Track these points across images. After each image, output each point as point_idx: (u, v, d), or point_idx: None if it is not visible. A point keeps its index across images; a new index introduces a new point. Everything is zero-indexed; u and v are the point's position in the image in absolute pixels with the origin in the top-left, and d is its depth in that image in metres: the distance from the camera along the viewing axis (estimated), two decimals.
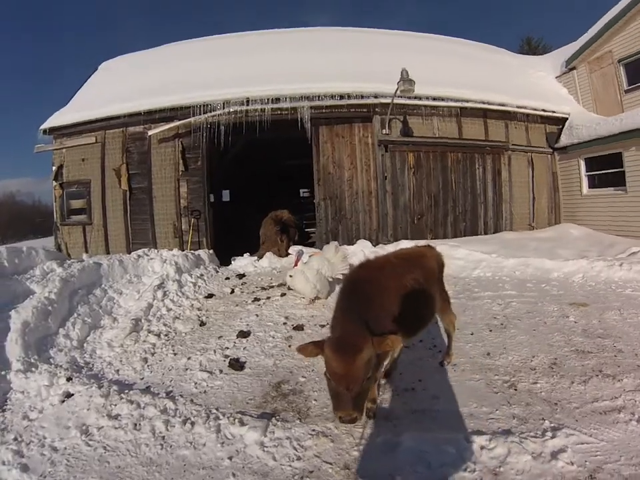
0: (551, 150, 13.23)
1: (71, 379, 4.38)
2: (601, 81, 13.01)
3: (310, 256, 7.68)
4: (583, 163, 12.52)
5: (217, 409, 3.78)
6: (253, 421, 3.47)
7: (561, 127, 13.06)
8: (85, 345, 5.49)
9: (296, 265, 7.19)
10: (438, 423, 3.35)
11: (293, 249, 10.14)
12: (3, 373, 4.39)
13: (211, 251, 10.31)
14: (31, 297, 5.80)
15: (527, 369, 4.20)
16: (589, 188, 12.48)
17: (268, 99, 10.69)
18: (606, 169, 11.80)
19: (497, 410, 3.50)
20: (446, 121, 11.89)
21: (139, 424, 3.60)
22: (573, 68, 13.97)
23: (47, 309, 5.55)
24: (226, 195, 16.69)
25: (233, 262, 10.21)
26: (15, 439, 3.45)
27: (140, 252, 8.78)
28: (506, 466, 2.74)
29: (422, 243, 6.31)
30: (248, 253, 10.64)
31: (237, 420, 3.48)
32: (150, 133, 11.12)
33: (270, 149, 15.21)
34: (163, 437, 3.42)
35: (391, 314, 2.97)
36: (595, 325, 5.21)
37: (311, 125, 10.98)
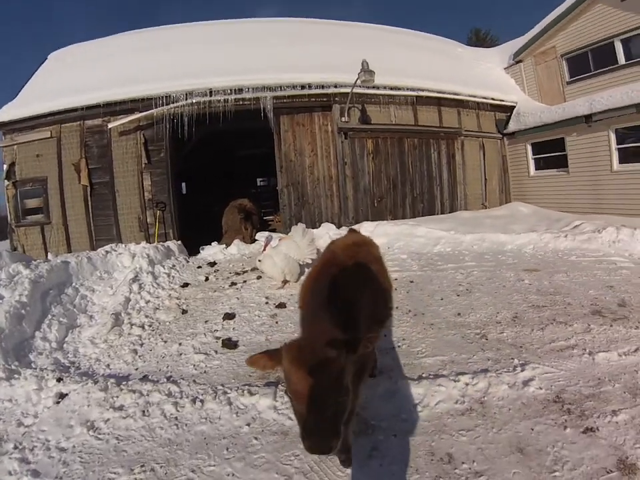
0: (501, 135, 14.35)
1: (62, 379, 4.29)
2: (545, 73, 14.17)
3: (279, 240, 7.87)
4: (529, 147, 13.77)
5: (222, 385, 3.93)
6: (261, 389, 3.67)
7: (509, 114, 14.16)
8: (64, 345, 5.40)
9: (265, 249, 7.33)
10: (427, 370, 3.96)
11: (261, 235, 10.35)
12: None
13: (179, 242, 10.29)
14: (0, 301, 5.62)
15: (493, 323, 4.91)
16: (536, 170, 13.78)
17: (231, 90, 10.71)
18: (550, 152, 13.09)
19: (473, 356, 4.16)
20: (402, 109, 12.45)
21: (147, 410, 3.66)
22: (520, 61, 15.12)
23: (19, 312, 5.43)
24: (183, 188, 16.52)
25: (201, 251, 10.30)
26: (16, 447, 3.32)
27: (107, 247, 8.65)
28: (489, 395, 3.41)
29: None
30: (216, 242, 10.76)
31: (245, 391, 3.66)
32: (110, 125, 10.82)
33: (228, 139, 15.24)
34: (176, 418, 3.52)
35: (368, 306, 2.61)
36: (546, 285, 6.00)
37: (273, 115, 11.14)
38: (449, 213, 12.89)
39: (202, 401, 3.65)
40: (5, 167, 11.69)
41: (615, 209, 10.88)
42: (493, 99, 13.82)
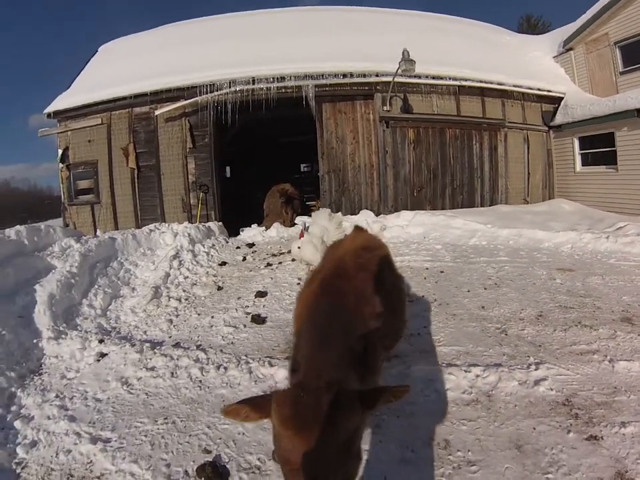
0: (547, 128, 13.59)
1: (103, 341, 4.81)
2: (597, 62, 13.22)
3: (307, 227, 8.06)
4: (576, 142, 12.92)
5: (245, 356, 4.25)
6: (280, 362, 3.94)
7: (556, 105, 13.38)
8: (108, 313, 5.88)
9: (302, 236, 7.54)
10: (441, 358, 4.01)
11: (300, 219, 10.63)
12: (35, 341, 4.74)
13: (220, 223, 10.77)
14: (53, 271, 6.13)
15: (516, 319, 4.83)
16: (582, 165, 12.91)
17: (273, 78, 11.01)
18: (599, 147, 12.18)
19: (490, 349, 4.15)
20: (445, 99, 12.26)
21: (176, 372, 4.05)
22: (570, 49, 14.14)
23: (69, 281, 5.92)
24: (227, 172, 16.95)
25: (241, 232, 10.75)
26: (57, 396, 3.79)
27: (151, 226, 9.19)
28: (497, 390, 3.42)
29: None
30: (256, 225, 11.18)
31: (266, 362, 3.98)
32: (157, 112, 11.39)
33: (272, 125, 15.51)
34: (200, 381, 3.88)
35: (384, 329, 2.18)
36: (578, 287, 5.76)
37: (315, 103, 11.34)
38: (489, 206, 12.56)
39: (225, 368, 4.01)
40: (60, 151, 12.56)
41: None
42: (539, 89, 13.19)
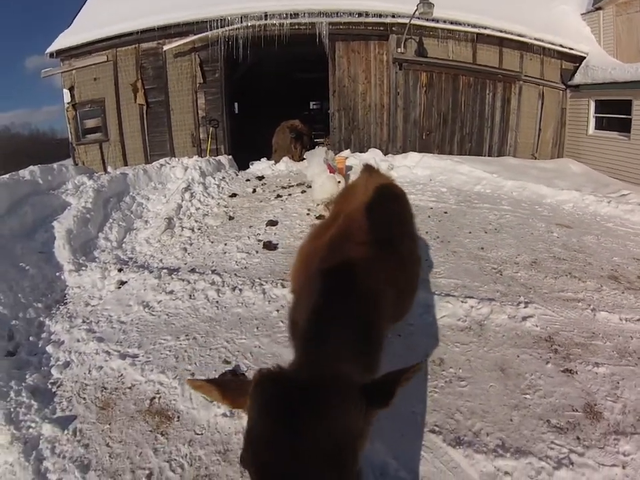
0: (564, 86, 13.03)
1: (122, 270, 5.12)
2: (625, 25, 12.46)
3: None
4: (593, 104, 12.41)
5: (259, 279, 4.61)
6: None
7: (577, 65, 12.74)
8: (123, 245, 6.16)
9: (331, 171, 7.58)
10: (440, 289, 4.39)
11: (309, 154, 10.46)
12: (57, 274, 5.05)
13: (230, 157, 10.83)
14: (69, 208, 6.37)
15: (511, 263, 5.16)
16: (595, 129, 12.47)
17: (287, 14, 10.70)
18: (614, 113, 11.75)
19: (485, 285, 4.51)
20: (461, 45, 11.81)
21: (193, 295, 4.40)
22: (600, 8, 13.20)
23: (85, 217, 6.16)
24: (236, 108, 16.77)
25: (251, 166, 10.85)
26: (84, 322, 4.12)
27: (162, 161, 9.33)
28: (488, 320, 3.82)
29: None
30: (265, 158, 11.26)
31: (279, 284, 4.36)
32: (165, 48, 11.15)
33: (282, 62, 15.23)
34: (217, 302, 4.25)
35: (397, 301, 1.95)
36: (573, 242, 5.99)
37: (328, 41, 11.07)
38: (496, 157, 12.38)
39: (240, 290, 4.37)
40: (65, 91, 12.35)
41: None
42: (561, 45, 12.34)
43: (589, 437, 2.60)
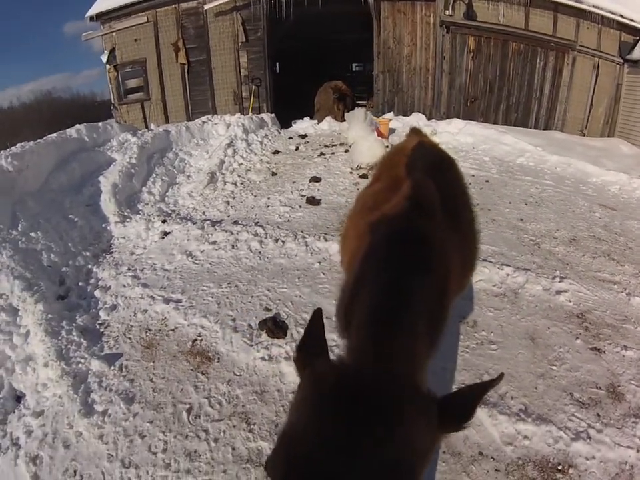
0: (622, 60, 11.81)
1: (165, 221, 5.26)
2: None
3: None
4: None
5: (301, 232, 4.63)
6: (335, 237, 4.26)
7: (637, 38, 11.46)
8: (166, 198, 6.29)
9: (380, 135, 7.45)
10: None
11: (349, 115, 10.34)
12: (104, 225, 5.27)
13: (273, 115, 10.75)
14: (114, 163, 6.53)
15: (550, 237, 4.98)
16: None
17: None
18: None
19: (522, 256, 4.43)
20: (513, 9, 11.01)
21: (236, 245, 4.47)
22: None
23: (129, 171, 6.30)
24: (277, 67, 16.66)
25: (293, 124, 10.78)
26: (129, 269, 4.29)
27: (204, 118, 9.38)
28: (523, 289, 3.79)
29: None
30: (308, 117, 11.18)
31: (321, 237, 4.37)
32: (206, 7, 11.11)
33: (325, 22, 14.82)
34: (259, 252, 4.31)
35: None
36: (615, 225, 5.65)
37: (373, 1, 10.75)
38: (543, 130, 11.66)
39: (283, 241, 4.41)
40: (106, 52, 12.56)
41: None
42: (622, 15, 11.17)
43: (608, 416, 2.58)
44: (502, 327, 3.28)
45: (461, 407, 0.97)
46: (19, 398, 2.88)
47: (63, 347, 3.13)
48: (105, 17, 12.29)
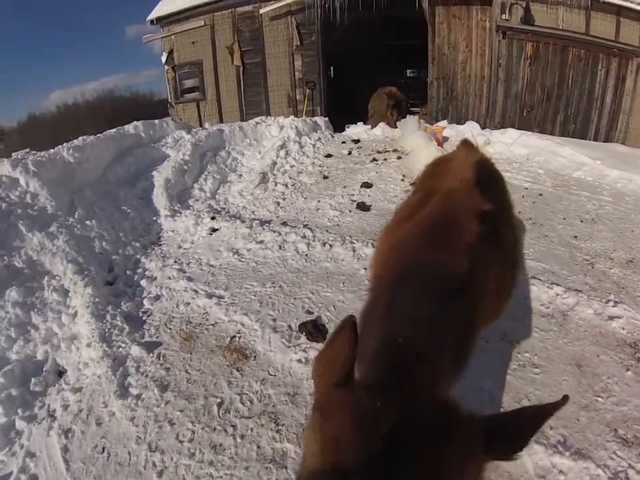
0: None
1: (215, 218, 5.37)
2: None
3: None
4: None
5: (350, 237, 4.59)
6: None
7: None
8: (217, 196, 6.41)
9: (439, 145, 7.39)
10: (527, 270, 4.04)
11: (402, 122, 10.20)
12: (154, 218, 5.45)
13: (326, 118, 10.79)
14: (168, 159, 6.75)
15: (605, 257, 4.63)
16: None
17: None
18: None
19: (574, 275, 4.15)
20: (573, 13, 10.49)
21: (283, 246, 4.49)
22: None
23: (182, 168, 6.47)
24: (331, 72, 16.78)
25: (347, 129, 10.74)
26: (175, 262, 4.42)
27: (257, 119, 9.52)
28: (573, 312, 3.54)
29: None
30: (361, 122, 11.13)
31: (370, 243, 4.30)
32: (261, 11, 11.31)
33: (380, 26, 14.90)
34: (306, 255, 4.31)
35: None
36: None
37: (428, 5, 10.57)
38: (603, 142, 11.01)
39: (330, 245, 4.39)
40: (165, 54, 13.08)
41: None
42: None
43: None
44: (547, 350, 3.10)
45: (515, 432, 0.85)
46: (60, 373, 3.06)
47: (106, 330, 3.29)
48: (164, 20, 12.81)
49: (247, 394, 2.67)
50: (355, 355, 0.94)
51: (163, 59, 13.12)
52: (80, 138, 6.24)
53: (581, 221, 5.64)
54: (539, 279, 3.91)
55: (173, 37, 12.79)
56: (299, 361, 2.89)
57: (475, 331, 1.37)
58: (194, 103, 13.15)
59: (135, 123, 7.38)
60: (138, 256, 4.57)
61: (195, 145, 7.13)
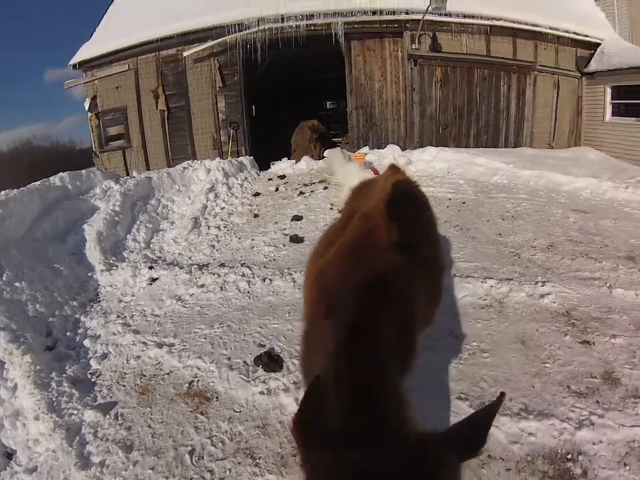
0: (579, 74, 12.84)
1: (152, 267, 5.27)
2: None
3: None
4: (609, 91, 12.20)
5: (288, 269, 4.75)
6: None
7: (592, 52, 12.57)
8: (151, 245, 6.28)
9: (375, 172, 7.57)
10: (460, 271, 4.57)
11: (328, 152, 10.55)
12: (89, 274, 5.22)
13: (251, 158, 10.90)
14: (98, 211, 6.53)
15: (529, 246, 5.29)
16: (612, 116, 12.26)
17: (302, 16, 10.87)
18: (631, 99, 11.58)
19: (503, 267, 4.69)
20: (475, 39, 11.84)
21: (225, 287, 4.53)
22: None
23: (114, 219, 6.31)
24: (253, 110, 17.05)
25: (272, 166, 10.90)
26: (118, 317, 4.28)
27: (184, 164, 9.47)
28: (508, 298, 4.00)
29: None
30: (286, 158, 11.35)
31: None
32: (185, 54, 11.43)
33: (299, 63, 15.37)
34: (248, 292, 4.38)
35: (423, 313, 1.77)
36: (590, 226, 6.04)
37: (344, 40, 11.25)
38: (513, 148, 12.39)
39: (270, 280, 4.50)
40: (88, 100, 12.74)
41: None
42: (575, 33, 12.29)
43: (608, 401, 2.73)
44: (491, 336, 3.43)
45: (474, 437, 1.02)
46: (9, 455, 2.77)
47: (53, 398, 3.07)
48: (87, 64, 12.59)
49: (217, 435, 2.66)
50: (325, 414, 1.05)
51: (86, 105, 12.79)
52: (2, 192, 5.88)
53: (503, 219, 6.28)
54: (473, 277, 4.34)
55: (96, 81, 12.58)
56: (262, 392, 2.94)
57: (412, 335, 1.50)
58: (119, 151, 12.91)
59: (61, 174, 7.09)
60: (77, 315, 4.35)
61: (124, 194, 6.97)
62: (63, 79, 13.52)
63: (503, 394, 1.10)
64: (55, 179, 6.93)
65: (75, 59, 12.56)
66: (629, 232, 5.82)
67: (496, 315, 3.73)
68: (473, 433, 1.02)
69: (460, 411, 2.67)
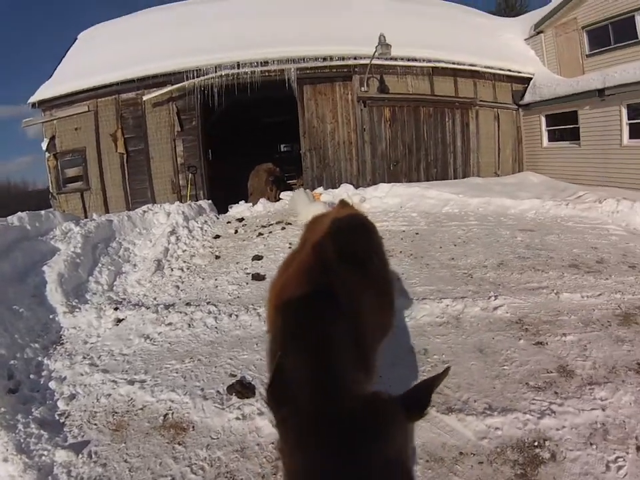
0: (516, 106, 14.45)
1: (118, 308, 5.25)
2: (565, 45, 13.91)
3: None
4: (543, 119, 13.87)
5: (252, 304, 4.94)
6: None
7: (526, 85, 14.22)
8: (114, 287, 6.25)
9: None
10: (417, 295, 4.88)
11: (285, 194, 11.35)
12: (51, 316, 5.12)
13: (210, 201, 11.09)
14: (58, 253, 6.45)
15: (480, 267, 5.70)
16: (549, 141, 13.90)
17: (257, 62, 11.46)
18: (563, 124, 13.18)
19: (458, 288, 5.04)
20: (419, 79, 12.96)
21: (192, 324, 4.62)
22: (541, 32, 14.84)
23: (75, 261, 6.27)
24: (209, 154, 17.17)
25: (230, 209, 11.11)
26: (84, 357, 4.21)
27: (144, 207, 9.50)
28: (464, 314, 4.35)
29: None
30: (243, 201, 11.62)
31: None
32: (144, 98, 11.71)
33: (254, 107, 15.90)
34: (216, 327, 4.51)
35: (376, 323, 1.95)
36: (536, 243, 6.64)
37: (296, 85, 11.90)
38: (462, 178, 13.38)
39: (236, 315, 4.66)
40: (46, 140, 12.67)
41: (622, 183, 10.74)
42: (509, 70, 13.98)
43: (565, 391, 3.03)
44: (451, 348, 3.72)
45: (420, 399, 1.22)
46: None
47: (21, 440, 2.98)
48: (46, 104, 12.59)
49: (196, 463, 2.69)
50: (290, 383, 1.26)
51: (44, 145, 12.66)
52: None
53: (455, 245, 6.69)
54: (429, 298, 4.65)
55: (55, 122, 12.54)
56: (237, 418, 3.03)
57: (366, 340, 1.67)
58: (78, 193, 12.83)
59: (20, 214, 6.98)
60: (40, 358, 4.24)
61: (85, 236, 6.93)
62: (15, 116, 13.28)
63: (448, 367, 1.35)
64: (14, 219, 6.82)
65: (34, 98, 12.56)
66: (572, 243, 6.42)
67: (454, 330, 4.05)
68: (419, 395, 1.23)
69: (428, 416, 2.78)
